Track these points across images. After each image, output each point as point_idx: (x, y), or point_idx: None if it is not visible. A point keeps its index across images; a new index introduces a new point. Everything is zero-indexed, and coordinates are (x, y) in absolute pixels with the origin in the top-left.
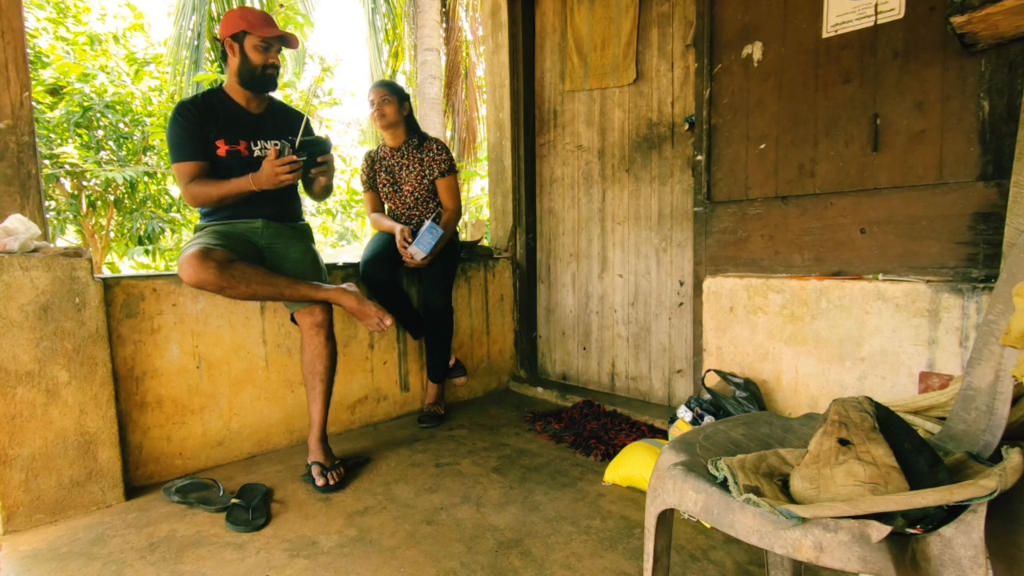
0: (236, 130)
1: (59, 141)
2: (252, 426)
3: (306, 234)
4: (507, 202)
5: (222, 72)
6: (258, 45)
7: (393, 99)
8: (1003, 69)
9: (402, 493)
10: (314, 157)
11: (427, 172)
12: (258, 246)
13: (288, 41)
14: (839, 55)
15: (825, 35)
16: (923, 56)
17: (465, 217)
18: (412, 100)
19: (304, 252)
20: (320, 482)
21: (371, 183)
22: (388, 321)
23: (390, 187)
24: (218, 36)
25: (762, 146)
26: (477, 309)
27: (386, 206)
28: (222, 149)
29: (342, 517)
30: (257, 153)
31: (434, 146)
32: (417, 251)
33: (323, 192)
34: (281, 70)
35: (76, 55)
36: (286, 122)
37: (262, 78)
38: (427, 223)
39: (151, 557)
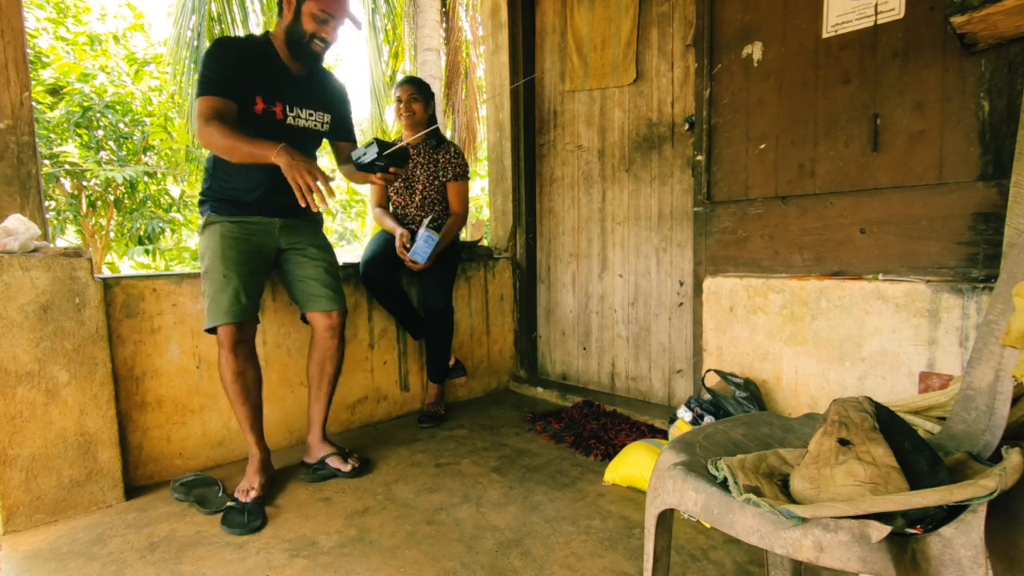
0: (276, 88)
1: (59, 141)
2: None
3: (321, 225)
4: (507, 202)
5: None
6: (316, 15)
7: (421, 98)
8: (1003, 69)
9: (402, 493)
10: (388, 167)
11: (441, 173)
12: (275, 251)
13: (353, 20)
14: (839, 55)
15: (825, 35)
16: (923, 56)
17: None
18: None
19: (325, 268)
20: (347, 468)
21: None
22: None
23: (402, 183)
24: None
25: (762, 146)
26: (477, 309)
27: (391, 203)
28: (259, 106)
29: (342, 517)
30: (290, 121)
31: (452, 149)
32: (415, 259)
33: (356, 181)
34: (331, 47)
35: (76, 55)
36: (325, 92)
37: (306, 48)
38: (423, 231)
39: (151, 557)
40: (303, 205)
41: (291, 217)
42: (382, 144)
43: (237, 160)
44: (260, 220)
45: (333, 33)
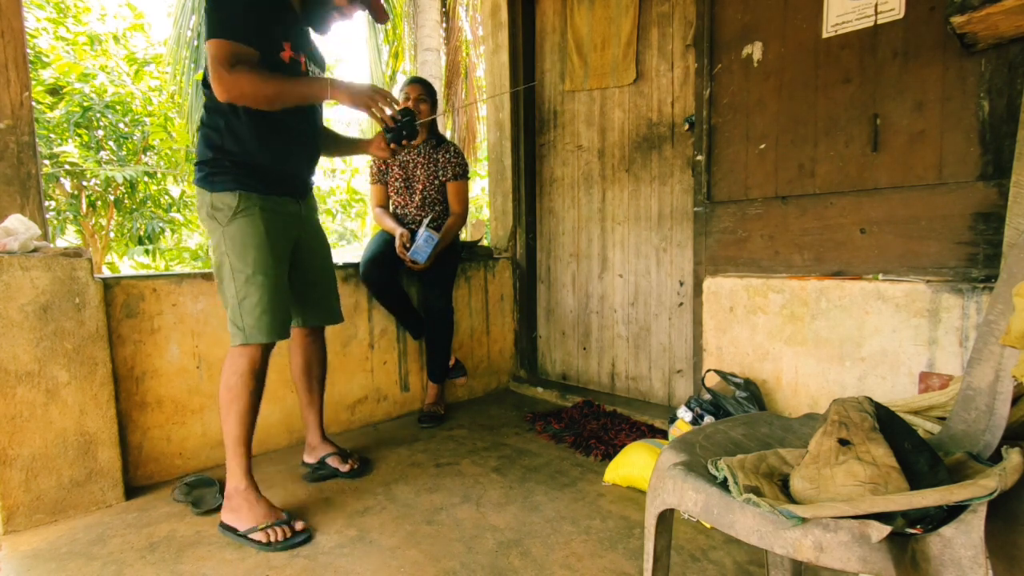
0: (299, 39)
1: (59, 141)
2: None
3: (316, 206)
4: (507, 202)
5: None
6: None
7: (428, 100)
8: (1003, 69)
9: (402, 493)
10: (408, 137)
11: (440, 173)
12: (293, 243)
13: (378, 12)
14: (839, 55)
15: (825, 35)
16: (923, 56)
17: None
18: None
19: (327, 256)
20: (346, 468)
21: (381, 176)
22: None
23: (402, 182)
24: None
25: (762, 146)
26: (477, 309)
27: (391, 203)
28: (287, 52)
29: (342, 517)
30: (311, 76)
31: (451, 149)
32: (415, 259)
33: (339, 156)
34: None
35: (76, 55)
36: (320, 57)
37: (323, 15)
38: (423, 231)
39: (151, 557)
40: (389, 126)
41: (306, 195)
42: (412, 113)
43: (279, 107)
44: (290, 204)
45: (353, 15)
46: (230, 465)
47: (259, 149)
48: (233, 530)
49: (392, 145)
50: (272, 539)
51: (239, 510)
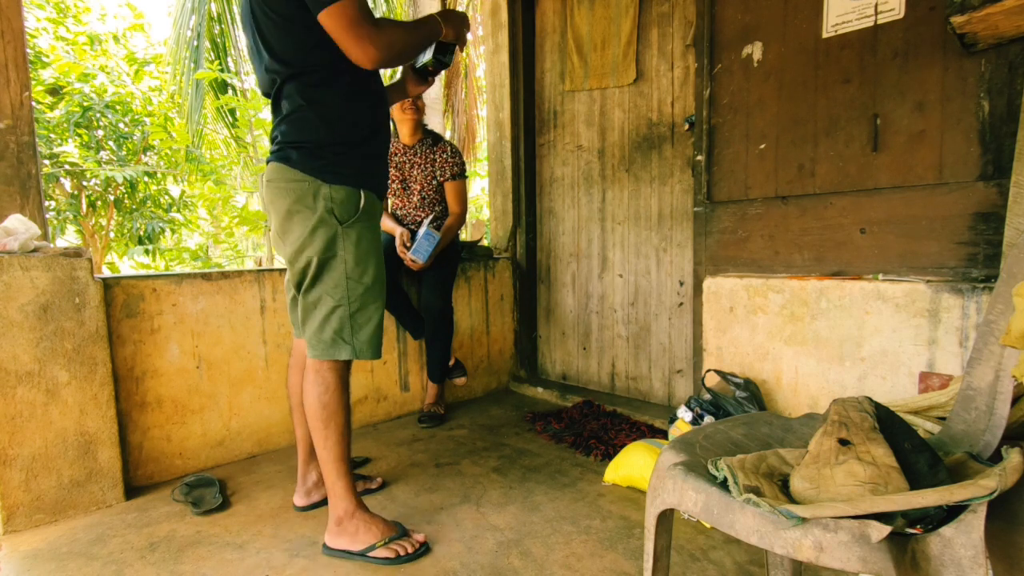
0: None
1: (59, 141)
2: (252, 426)
3: None
4: (507, 202)
5: (222, 71)
6: None
7: (423, 96)
8: (1003, 69)
9: (402, 493)
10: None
11: (438, 173)
12: None
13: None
14: (839, 55)
15: (825, 35)
16: (923, 56)
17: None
18: None
19: None
20: (374, 485)
21: None
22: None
23: (399, 183)
24: None
25: (762, 146)
26: (477, 309)
27: (389, 204)
28: None
29: None
30: None
31: (448, 148)
32: (416, 257)
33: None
34: None
35: (76, 55)
36: None
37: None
38: (423, 229)
39: (151, 557)
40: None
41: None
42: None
43: (409, 59)
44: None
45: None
46: (335, 488)
47: (371, 138)
48: (348, 552)
49: (430, 79)
50: (400, 553)
51: (355, 533)
